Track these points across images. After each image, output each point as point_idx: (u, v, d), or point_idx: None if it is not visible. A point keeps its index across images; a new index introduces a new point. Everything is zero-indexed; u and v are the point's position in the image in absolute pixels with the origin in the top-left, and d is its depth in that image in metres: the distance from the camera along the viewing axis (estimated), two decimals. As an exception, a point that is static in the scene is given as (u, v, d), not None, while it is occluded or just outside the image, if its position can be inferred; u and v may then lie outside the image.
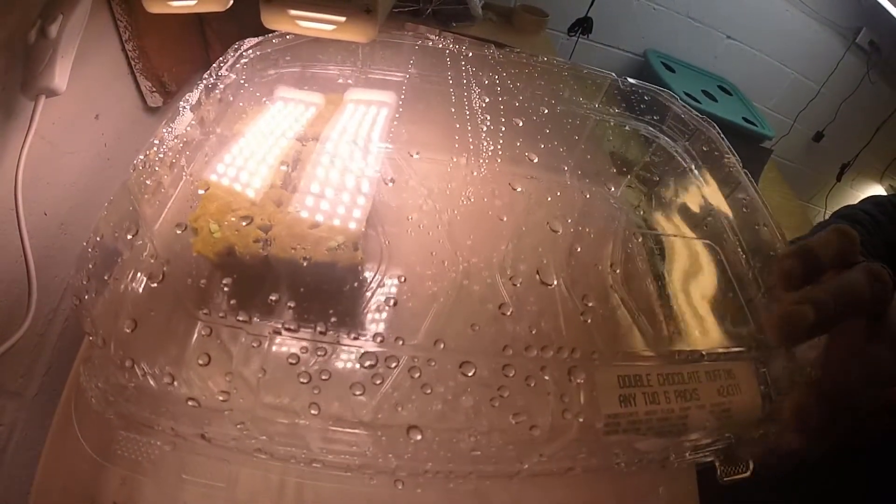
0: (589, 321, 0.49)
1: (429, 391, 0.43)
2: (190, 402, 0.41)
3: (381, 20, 0.54)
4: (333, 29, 0.55)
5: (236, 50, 0.66)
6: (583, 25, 1.61)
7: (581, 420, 0.43)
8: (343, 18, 0.53)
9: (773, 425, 0.46)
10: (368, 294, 0.50)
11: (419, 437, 0.41)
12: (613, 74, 0.76)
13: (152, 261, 0.46)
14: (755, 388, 0.48)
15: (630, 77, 0.76)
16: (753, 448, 0.46)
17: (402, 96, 0.69)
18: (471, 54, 0.74)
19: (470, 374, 0.43)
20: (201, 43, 0.86)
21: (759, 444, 0.46)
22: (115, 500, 0.45)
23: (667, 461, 0.46)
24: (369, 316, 0.49)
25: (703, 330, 0.54)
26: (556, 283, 0.52)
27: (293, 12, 0.55)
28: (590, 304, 0.52)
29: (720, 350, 0.50)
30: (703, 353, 0.49)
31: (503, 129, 0.65)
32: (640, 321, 0.53)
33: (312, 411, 0.41)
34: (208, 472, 0.46)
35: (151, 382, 0.42)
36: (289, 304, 0.47)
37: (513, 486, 0.48)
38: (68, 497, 0.45)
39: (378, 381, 0.43)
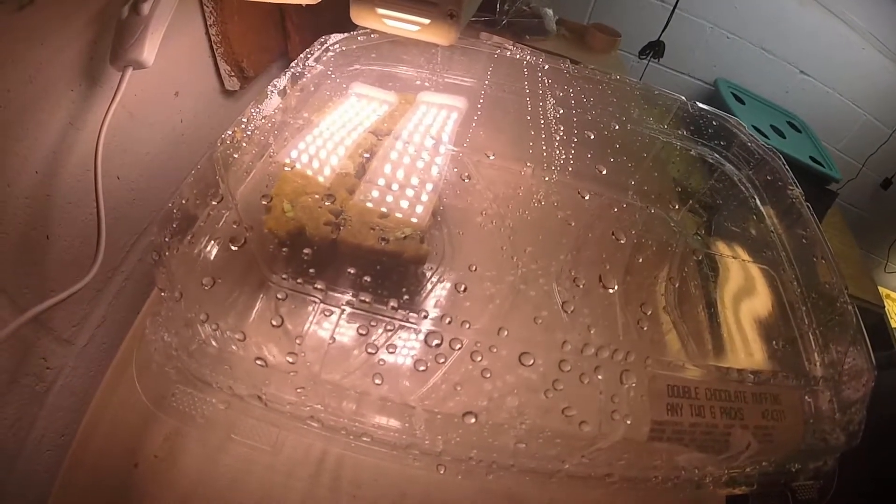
0: (645, 328, 0.50)
1: (488, 375, 0.44)
2: (258, 361, 0.44)
3: (463, 25, 0.56)
4: (417, 30, 0.57)
5: (322, 43, 0.70)
6: (654, 49, 1.60)
7: (628, 422, 0.44)
8: (427, 21, 0.55)
9: (811, 459, 0.46)
10: (429, 287, 0.52)
11: (473, 421, 0.43)
12: (683, 98, 0.77)
13: (235, 226, 0.50)
14: (800, 417, 0.48)
15: (698, 105, 0.77)
16: (788, 479, 0.46)
17: (481, 101, 0.71)
18: (547, 67, 0.76)
19: (529, 365, 0.44)
20: (280, 34, 0.90)
21: (795, 476, 0.46)
22: (157, 453, 0.48)
23: (702, 483, 0.47)
24: (428, 307, 0.50)
25: (750, 353, 0.54)
26: (616, 288, 0.53)
27: (381, 11, 0.58)
28: (648, 313, 0.52)
29: (769, 373, 0.51)
30: (752, 373, 0.49)
31: (575, 140, 0.66)
32: (689, 345, 0.53)
33: (376, 381, 0.43)
34: (256, 435, 0.48)
35: (216, 342, 0.45)
36: (365, 278, 0.49)
37: (545, 493, 0.49)
38: (112, 441, 0.48)
39: (441, 361, 0.45)
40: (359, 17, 0.58)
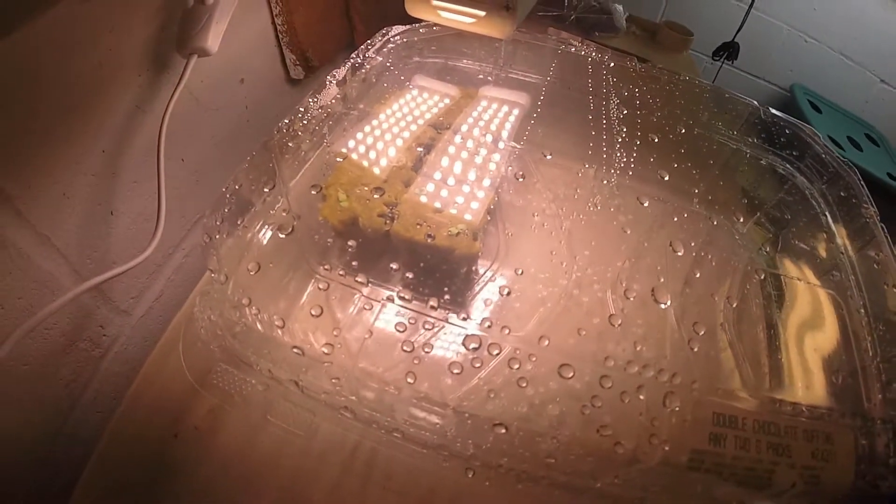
0: (696, 350, 0.48)
1: (524, 385, 0.43)
2: (294, 350, 0.44)
3: (521, 19, 0.55)
4: (472, 22, 0.56)
5: (384, 35, 0.70)
6: (729, 50, 1.52)
7: (666, 448, 0.41)
8: (483, 13, 0.54)
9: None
10: (479, 286, 0.51)
11: (503, 432, 0.42)
12: (755, 102, 0.73)
13: (284, 214, 0.51)
14: (851, 460, 0.44)
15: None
16: None
17: (542, 98, 0.69)
18: (612, 64, 0.73)
19: (568, 377, 0.43)
20: (346, 25, 0.92)
21: None
22: (198, 425, 0.49)
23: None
24: (477, 305, 0.50)
25: (808, 386, 0.51)
26: (669, 304, 0.50)
27: (435, 2, 0.57)
28: (700, 334, 0.49)
29: (825, 409, 0.47)
30: (805, 408, 0.46)
31: (638, 142, 0.64)
32: (744, 367, 0.51)
33: (409, 380, 0.43)
34: (292, 419, 0.49)
35: (259, 326, 0.46)
36: (407, 274, 0.49)
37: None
38: (156, 410, 0.50)
39: (477, 365, 0.44)
40: (414, 8, 0.58)
